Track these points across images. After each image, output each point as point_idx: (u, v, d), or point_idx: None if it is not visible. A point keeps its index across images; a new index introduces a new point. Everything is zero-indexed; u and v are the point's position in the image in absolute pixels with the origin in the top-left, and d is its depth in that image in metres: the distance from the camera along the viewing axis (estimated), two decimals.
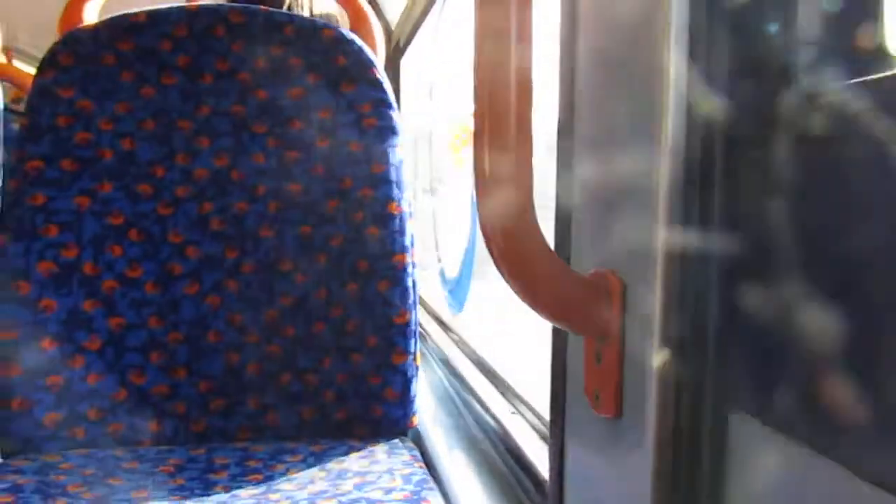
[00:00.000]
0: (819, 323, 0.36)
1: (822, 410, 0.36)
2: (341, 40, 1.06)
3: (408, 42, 2.05)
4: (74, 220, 1.00)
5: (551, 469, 0.67)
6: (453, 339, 1.40)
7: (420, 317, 1.06)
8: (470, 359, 1.24)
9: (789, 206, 0.39)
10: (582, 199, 0.60)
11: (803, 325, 0.37)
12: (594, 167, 0.58)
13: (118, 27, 1.04)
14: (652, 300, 0.46)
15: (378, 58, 1.16)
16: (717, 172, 0.44)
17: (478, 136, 0.51)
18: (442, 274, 1.81)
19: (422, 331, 1.49)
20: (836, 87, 0.37)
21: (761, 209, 0.41)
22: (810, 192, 0.38)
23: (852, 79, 0.35)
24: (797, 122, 0.39)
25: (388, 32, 2.11)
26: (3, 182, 1.00)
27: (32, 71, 1.06)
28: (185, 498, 0.83)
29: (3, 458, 0.96)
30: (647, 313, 0.47)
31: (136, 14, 1.05)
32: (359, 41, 1.08)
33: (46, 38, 1.10)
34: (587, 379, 0.57)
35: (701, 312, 0.45)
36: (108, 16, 1.07)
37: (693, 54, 0.45)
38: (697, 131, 0.45)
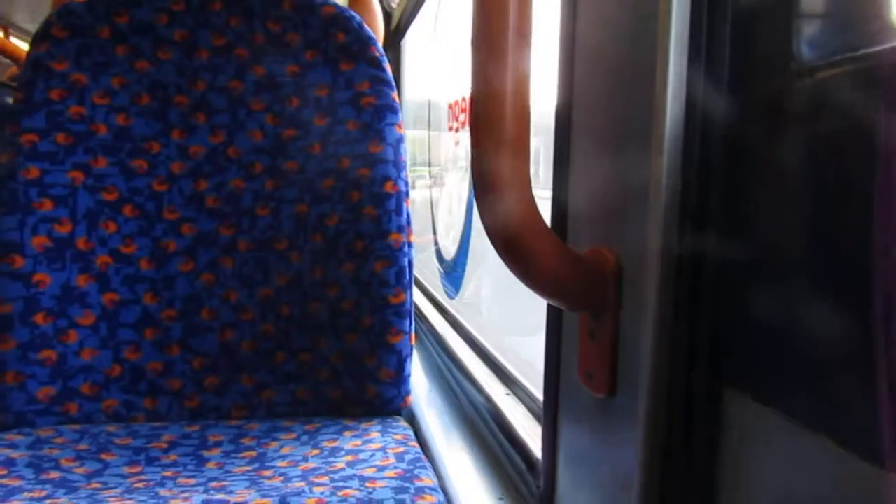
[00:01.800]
0: (811, 301, 0.36)
1: (815, 387, 0.35)
2: (341, 17, 1.05)
3: (409, 22, 2.03)
4: (68, 195, 0.99)
5: (544, 449, 0.67)
6: (448, 321, 1.40)
7: (416, 297, 1.06)
8: (465, 340, 1.24)
9: (781, 185, 0.39)
10: (578, 178, 0.59)
11: (796, 303, 0.37)
12: (590, 147, 0.58)
13: (114, 0, 1.02)
14: (647, 277, 0.46)
15: (377, 36, 1.15)
16: (711, 153, 0.44)
17: (475, 116, 0.51)
18: (438, 256, 1.81)
19: (417, 311, 1.49)
20: (834, 74, 0.37)
21: (755, 188, 0.41)
22: (801, 175, 0.37)
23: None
24: (794, 110, 0.39)
25: (388, 12, 2.10)
26: None
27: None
28: (179, 474, 0.83)
29: None
30: (642, 290, 0.47)
31: None
32: (358, 18, 1.06)
33: (43, 13, 1.08)
34: (581, 358, 0.56)
35: (695, 290, 0.44)
36: None
37: (691, 42, 0.44)
38: (695, 113, 0.45)
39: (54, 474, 0.81)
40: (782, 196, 0.39)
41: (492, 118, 0.50)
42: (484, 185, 0.51)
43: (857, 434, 0.33)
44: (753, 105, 0.42)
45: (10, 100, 1.04)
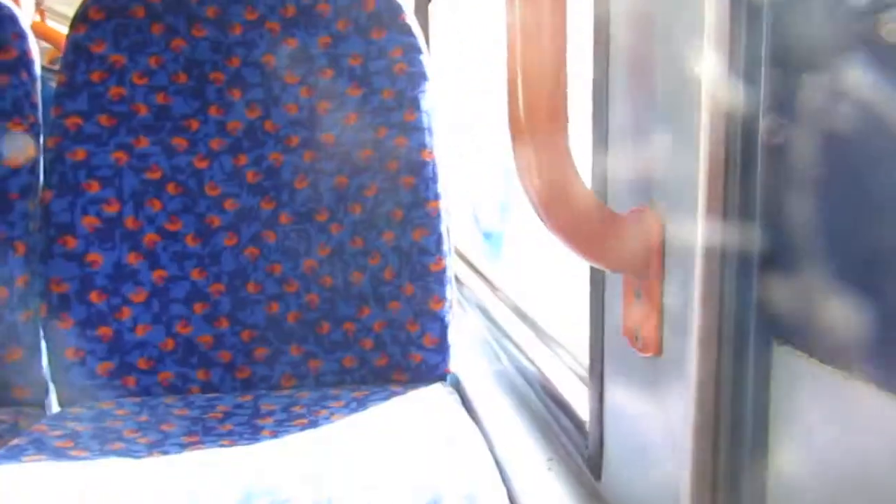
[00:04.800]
0: (860, 255, 0.35)
1: (868, 340, 0.35)
2: None
3: None
4: (114, 175, 1.01)
5: (591, 410, 0.67)
6: (489, 286, 1.40)
7: (455, 264, 1.07)
8: (506, 304, 1.25)
9: (828, 147, 0.38)
10: (619, 137, 0.59)
11: (847, 256, 0.36)
12: (630, 104, 0.57)
13: None
14: (692, 236, 0.46)
15: (407, 2, 1.14)
16: (756, 109, 0.43)
17: (512, 79, 0.50)
18: (477, 221, 1.81)
19: (456, 277, 1.50)
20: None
21: (801, 147, 0.40)
22: (849, 135, 0.36)
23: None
24: (839, 67, 0.37)
25: None
26: (45, 140, 1.02)
27: (65, 30, 1.07)
28: (235, 443, 0.86)
29: (60, 406, 1.00)
30: (687, 249, 0.46)
31: None
32: None
33: None
34: (626, 319, 0.56)
35: (743, 246, 0.44)
36: None
37: None
38: (739, 71, 0.43)
39: (118, 445, 0.85)
40: (829, 156, 0.38)
41: (527, 79, 0.49)
42: (521, 149, 0.51)
43: None
44: (802, 63, 0.40)
45: (53, 84, 1.06)
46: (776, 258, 0.42)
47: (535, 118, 0.50)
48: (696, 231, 0.45)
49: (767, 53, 0.42)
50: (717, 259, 0.44)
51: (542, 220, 0.52)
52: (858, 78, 0.36)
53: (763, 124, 0.42)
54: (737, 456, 0.45)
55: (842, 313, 0.37)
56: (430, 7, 2.10)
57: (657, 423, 0.53)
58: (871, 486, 0.35)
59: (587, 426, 0.70)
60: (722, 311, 0.44)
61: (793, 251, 0.40)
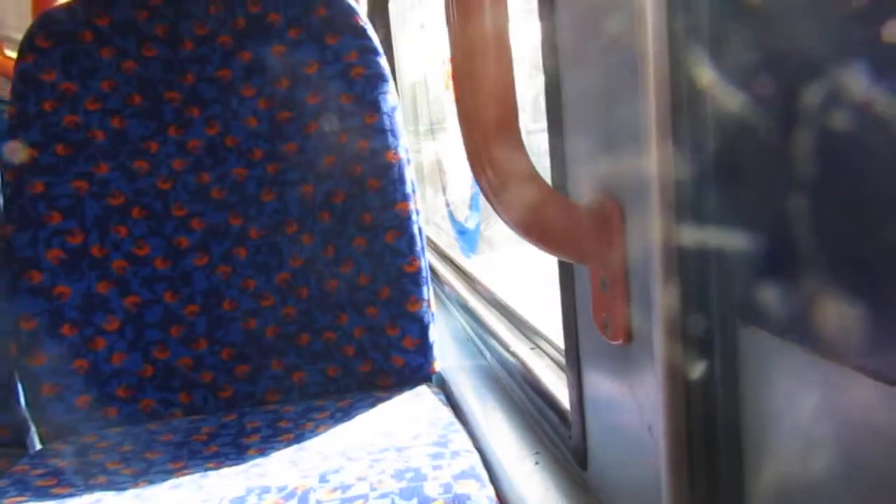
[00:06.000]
0: (823, 233, 0.35)
1: (831, 317, 0.35)
2: None
3: None
4: (76, 205, 1.00)
5: (571, 399, 0.67)
6: (467, 281, 1.40)
7: (432, 262, 1.06)
8: (485, 299, 1.24)
9: (781, 125, 0.37)
10: (574, 131, 0.58)
11: (807, 234, 0.36)
12: (584, 97, 0.56)
13: (93, 2, 1.01)
14: (652, 222, 0.45)
15: (360, 4, 1.13)
16: (702, 93, 0.42)
17: (458, 73, 0.50)
18: (451, 217, 1.80)
19: (436, 276, 1.49)
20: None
21: (755, 120, 0.39)
22: (802, 115, 0.36)
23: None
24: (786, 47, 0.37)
25: None
26: (3, 174, 1.00)
27: None
28: (221, 464, 0.85)
29: (41, 443, 0.99)
30: (647, 236, 0.46)
31: None
32: None
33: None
34: (595, 308, 0.56)
35: (702, 230, 0.44)
36: None
37: None
38: (684, 55, 0.43)
39: (102, 479, 0.83)
40: (782, 139, 0.37)
41: (475, 73, 0.49)
42: (473, 144, 0.50)
43: (878, 360, 0.32)
44: (744, 41, 0.40)
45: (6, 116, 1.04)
46: (735, 241, 0.41)
47: (484, 114, 0.49)
48: (654, 218, 0.45)
49: (711, 37, 0.41)
50: (677, 245, 0.44)
51: (500, 214, 0.52)
52: (806, 60, 0.36)
53: (714, 110, 0.42)
54: (710, 437, 0.45)
55: (804, 291, 0.36)
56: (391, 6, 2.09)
57: (633, 410, 0.53)
58: (841, 456, 0.35)
59: (569, 415, 0.69)
60: (685, 296, 0.44)
61: (751, 233, 0.40)
